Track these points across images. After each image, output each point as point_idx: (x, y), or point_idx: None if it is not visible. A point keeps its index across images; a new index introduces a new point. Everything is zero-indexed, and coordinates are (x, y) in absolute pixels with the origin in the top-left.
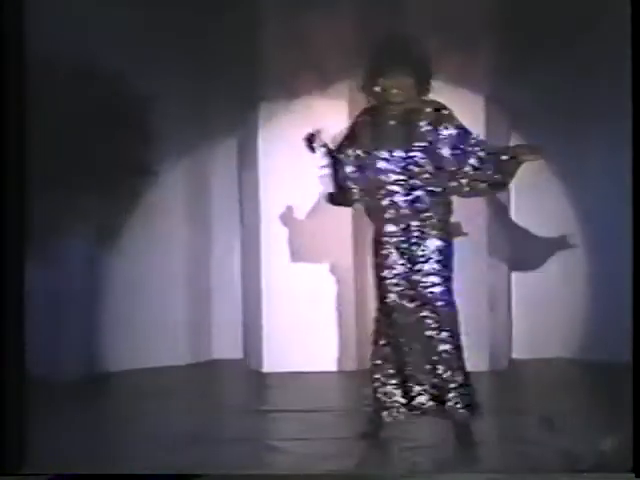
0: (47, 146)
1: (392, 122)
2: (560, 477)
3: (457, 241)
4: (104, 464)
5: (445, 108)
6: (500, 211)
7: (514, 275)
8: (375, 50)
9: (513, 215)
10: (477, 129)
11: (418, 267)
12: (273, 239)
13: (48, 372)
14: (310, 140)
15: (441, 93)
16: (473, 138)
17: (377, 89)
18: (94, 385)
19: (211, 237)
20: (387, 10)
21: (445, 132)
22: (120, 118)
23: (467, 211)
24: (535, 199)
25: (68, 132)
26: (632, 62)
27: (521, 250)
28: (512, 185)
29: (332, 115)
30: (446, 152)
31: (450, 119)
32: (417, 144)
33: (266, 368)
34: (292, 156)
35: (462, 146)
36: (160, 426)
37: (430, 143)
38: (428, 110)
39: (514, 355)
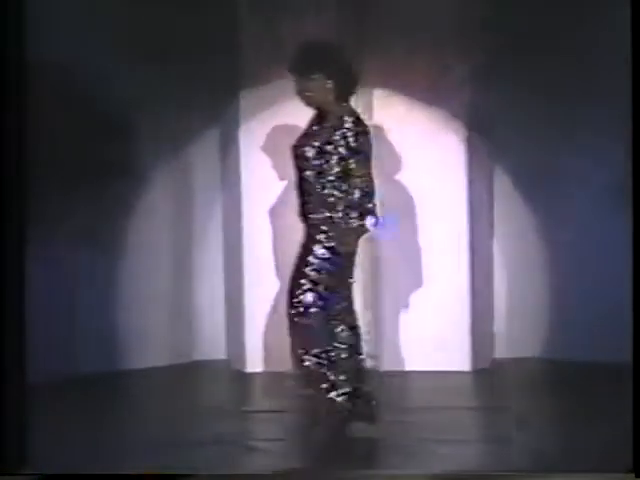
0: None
1: (313, 127)
2: (560, 477)
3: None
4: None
5: (360, 122)
6: (485, 212)
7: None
8: (293, 51)
9: (506, 214)
10: None
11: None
12: (255, 239)
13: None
14: None
15: None
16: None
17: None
18: (83, 385)
19: (193, 238)
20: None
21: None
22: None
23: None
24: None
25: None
26: (632, 63)
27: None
28: (506, 179)
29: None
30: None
31: (360, 138)
32: (327, 149)
33: (249, 368)
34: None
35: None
36: (141, 428)
37: (338, 154)
38: (344, 119)
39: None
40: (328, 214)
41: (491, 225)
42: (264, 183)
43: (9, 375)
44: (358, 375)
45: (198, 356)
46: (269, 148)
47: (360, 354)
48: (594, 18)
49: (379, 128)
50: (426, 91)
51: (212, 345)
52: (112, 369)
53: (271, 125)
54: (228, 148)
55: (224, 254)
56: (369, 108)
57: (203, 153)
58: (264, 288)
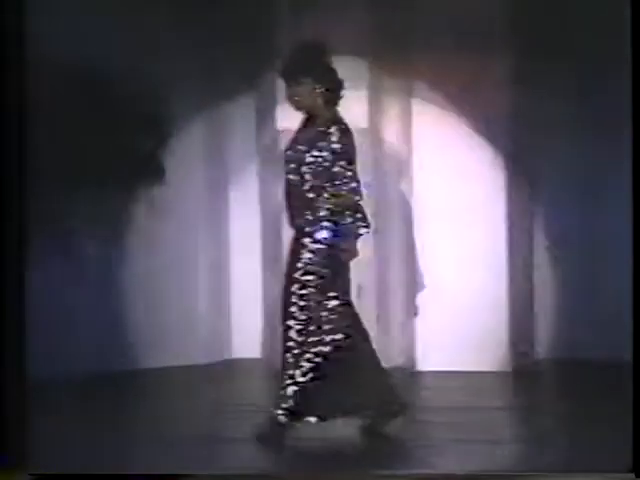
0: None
1: (301, 132)
2: (560, 477)
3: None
4: (106, 464)
5: (344, 126)
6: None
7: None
8: (282, 56)
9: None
10: None
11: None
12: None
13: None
14: None
15: None
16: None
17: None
18: (103, 385)
19: (230, 237)
20: None
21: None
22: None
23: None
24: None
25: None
26: (632, 64)
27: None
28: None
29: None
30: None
31: (345, 142)
32: (313, 154)
33: None
34: None
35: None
36: (173, 427)
37: (323, 158)
38: (329, 123)
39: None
40: (316, 218)
41: (530, 229)
42: None
43: (9, 375)
44: (373, 378)
45: (232, 355)
46: None
47: (375, 361)
48: None
49: (418, 134)
50: (461, 95)
51: (247, 344)
52: (146, 367)
53: None
54: (265, 150)
55: (262, 254)
56: (408, 114)
57: (238, 155)
58: None
